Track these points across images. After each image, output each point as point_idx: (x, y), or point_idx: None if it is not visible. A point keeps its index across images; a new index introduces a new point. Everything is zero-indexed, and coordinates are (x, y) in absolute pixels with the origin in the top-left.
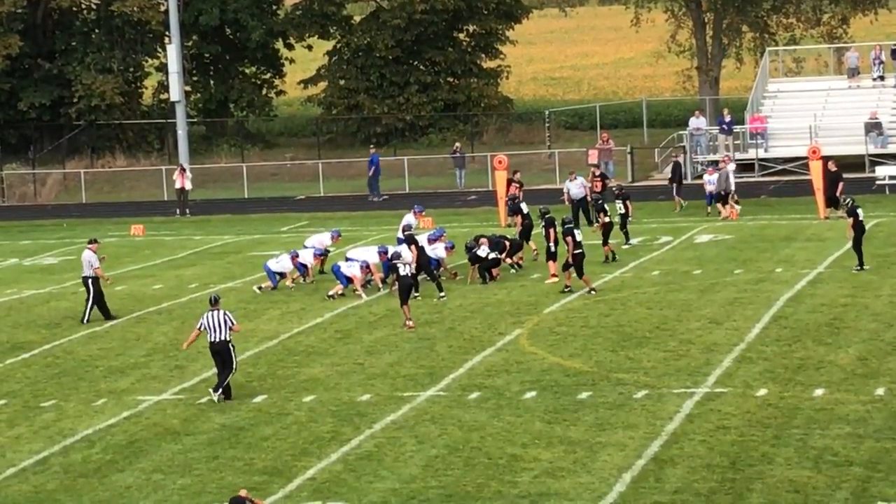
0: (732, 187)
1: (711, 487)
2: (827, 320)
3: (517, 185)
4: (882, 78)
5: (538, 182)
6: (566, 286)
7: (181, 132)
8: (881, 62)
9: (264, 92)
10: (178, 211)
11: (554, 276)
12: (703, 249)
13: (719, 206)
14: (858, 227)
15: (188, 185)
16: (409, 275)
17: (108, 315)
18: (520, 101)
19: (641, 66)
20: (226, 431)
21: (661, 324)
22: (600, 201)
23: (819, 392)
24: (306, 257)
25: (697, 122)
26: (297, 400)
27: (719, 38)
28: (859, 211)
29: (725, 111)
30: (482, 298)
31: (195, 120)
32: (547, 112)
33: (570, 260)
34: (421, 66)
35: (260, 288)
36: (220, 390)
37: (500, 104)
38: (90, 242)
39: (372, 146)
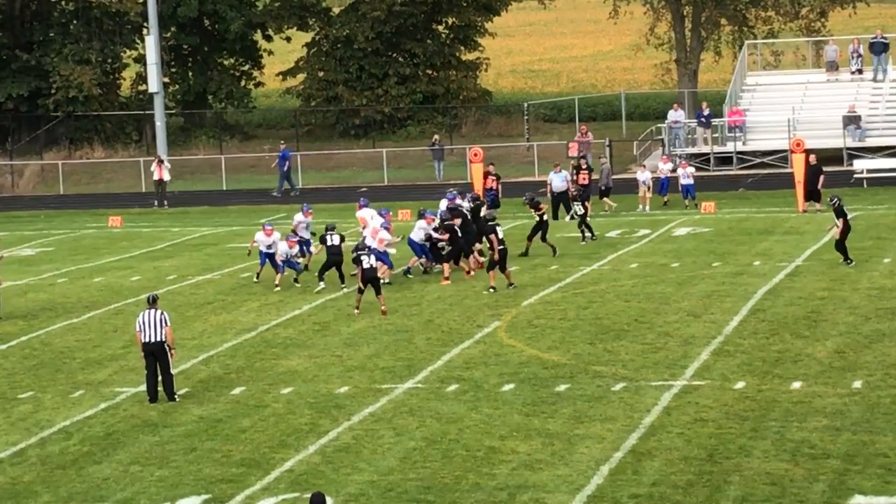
0: (611, 184)
1: (689, 480)
2: (805, 313)
3: (494, 178)
4: (860, 71)
5: (517, 175)
6: (491, 286)
7: (159, 123)
8: (859, 56)
9: (243, 83)
10: (156, 202)
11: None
12: (681, 242)
13: (605, 200)
14: (846, 227)
15: (166, 177)
16: (373, 267)
17: None
18: (498, 94)
19: (620, 59)
20: (203, 423)
21: (639, 316)
22: (585, 193)
23: (796, 385)
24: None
25: (676, 114)
26: (275, 392)
27: (698, 31)
28: (846, 210)
29: (704, 104)
30: (460, 291)
31: (173, 111)
32: (525, 105)
33: (495, 257)
34: (400, 59)
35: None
36: (170, 396)
37: (478, 96)
38: None
39: (282, 142)
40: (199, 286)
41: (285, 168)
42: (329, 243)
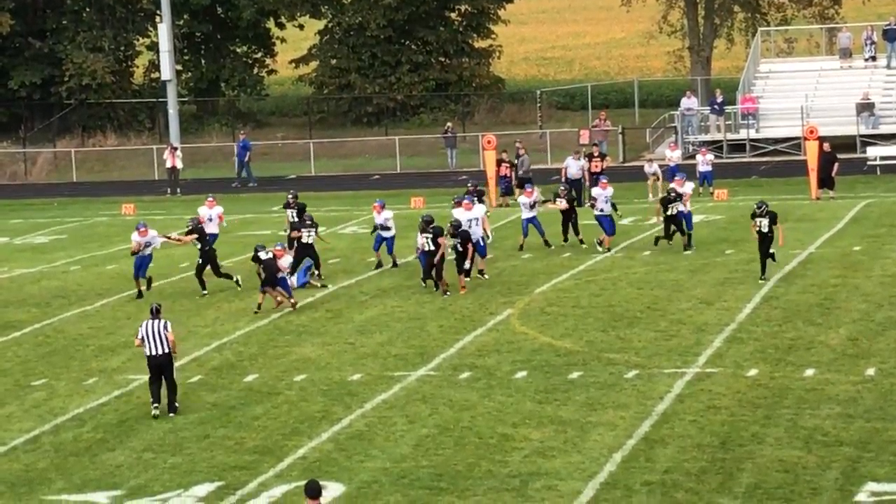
0: (530, 175)
1: (702, 467)
2: (818, 301)
3: (508, 166)
4: (874, 58)
5: (529, 162)
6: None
7: (172, 111)
8: (873, 43)
9: (255, 71)
10: (168, 190)
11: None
12: (694, 229)
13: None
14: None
15: (179, 164)
16: (273, 257)
17: None
18: (511, 81)
19: (633, 46)
20: (216, 410)
21: (651, 304)
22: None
23: (809, 372)
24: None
25: (689, 102)
26: (287, 379)
27: (711, 18)
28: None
29: (717, 91)
30: (473, 279)
31: (186, 99)
32: (538, 92)
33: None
34: (412, 46)
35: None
36: (171, 409)
37: (491, 84)
38: None
39: (242, 132)
40: (211, 274)
41: (246, 158)
42: (264, 258)
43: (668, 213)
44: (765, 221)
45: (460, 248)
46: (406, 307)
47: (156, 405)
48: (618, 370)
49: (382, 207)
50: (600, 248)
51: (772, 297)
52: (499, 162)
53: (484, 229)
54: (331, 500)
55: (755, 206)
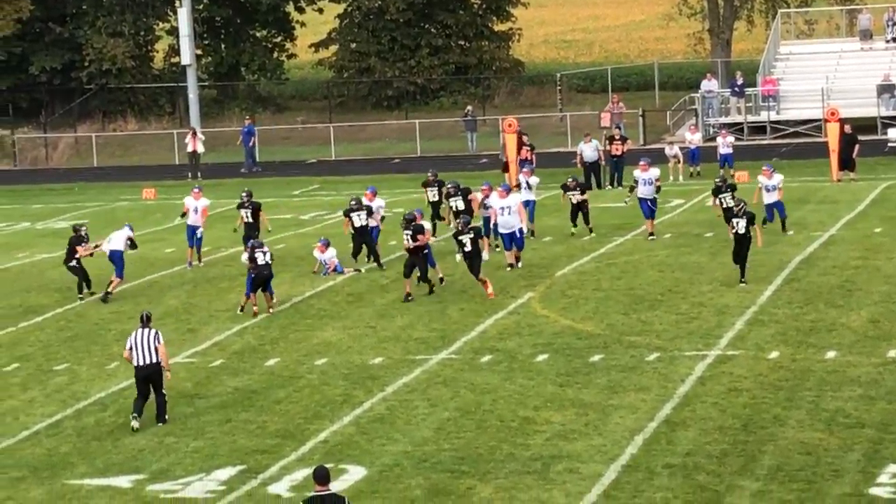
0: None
1: (723, 449)
2: (839, 283)
3: (528, 149)
4: (895, 40)
5: (550, 145)
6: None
7: (192, 96)
8: (894, 24)
9: (275, 55)
10: (189, 174)
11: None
12: (714, 212)
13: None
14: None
15: (200, 149)
16: (268, 263)
17: None
18: (531, 64)
19: (653, 29)
20: (238, 394)
21: (672, 287)
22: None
23: (831, 354)
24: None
25: (709, 84)
26: (309, 363)
27: (731, 0)
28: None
29: (738, 74)
30: (494, 261)
31: (206, 83)
32: (558, 75)
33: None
34: (432, 29)
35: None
36: (161, 419)
37: (511, 67)
38: None
39: (247, 116)
40: (233, 258)
41: (250, 144)
42: (261, 262)
43: (724, 205)
44: (742, 223)
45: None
46: (427, 290)
47: (136, 416)
48: (639, 353)
49: (374, 195)
50: (652, 237)
51: (793, 279)
52: (520, 145)
53: (521, 218)
54: (352, 484)
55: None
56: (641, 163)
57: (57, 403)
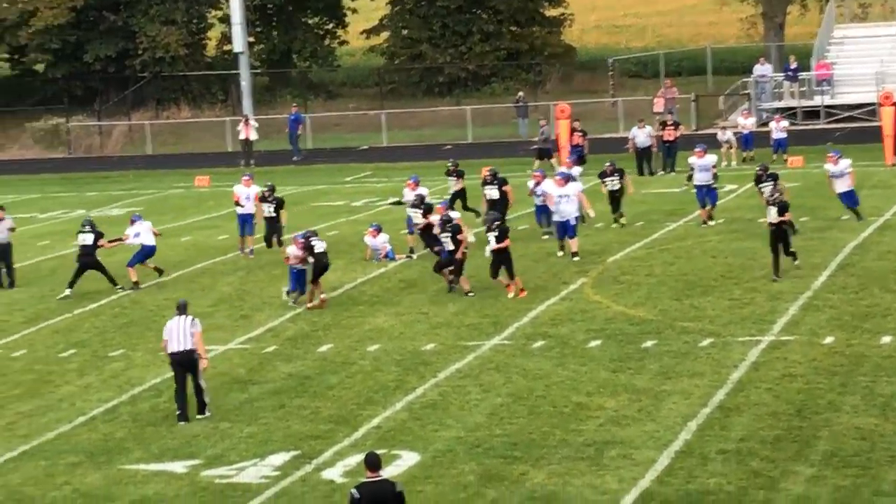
0: (551, 146)
1: (777, 435)
2: (893, 267)
3: (581, 134)
4: None
5: (602, 131)
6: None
7: (244, 83)
8: None
9: (327, 42)
10: (242, 161)
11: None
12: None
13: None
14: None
15: (253, 136)
16: (325, 252)
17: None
18: (583, 50)
19: (705, 13)
20: (292, 380)
21: (725, 272)
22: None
23: (886, 339)
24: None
25: (762, 68)
26: (361, 349)
27: None
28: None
29: (791, 58)
30: (545, 247)
31: (258, 71)
32: (610, 60)
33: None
34: (483, 15)
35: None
36: (200, 410)
37: (563, 53)
38: None
39: (294, 105)
40: (285, 244)
41: (298, 131)
42: (318, 251)
43: (763, 195)
44: (773, 211)
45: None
46: (479, 276)
47: (180, 414)
48: (692, 339)
49: (417, 184)
50: (711, 223)
51: (847, 264)
52: (572, 130)
53: (584, 206)
54: (405, 469)
55: (758, 170)
56: (697, 149)
57: (113, 389)
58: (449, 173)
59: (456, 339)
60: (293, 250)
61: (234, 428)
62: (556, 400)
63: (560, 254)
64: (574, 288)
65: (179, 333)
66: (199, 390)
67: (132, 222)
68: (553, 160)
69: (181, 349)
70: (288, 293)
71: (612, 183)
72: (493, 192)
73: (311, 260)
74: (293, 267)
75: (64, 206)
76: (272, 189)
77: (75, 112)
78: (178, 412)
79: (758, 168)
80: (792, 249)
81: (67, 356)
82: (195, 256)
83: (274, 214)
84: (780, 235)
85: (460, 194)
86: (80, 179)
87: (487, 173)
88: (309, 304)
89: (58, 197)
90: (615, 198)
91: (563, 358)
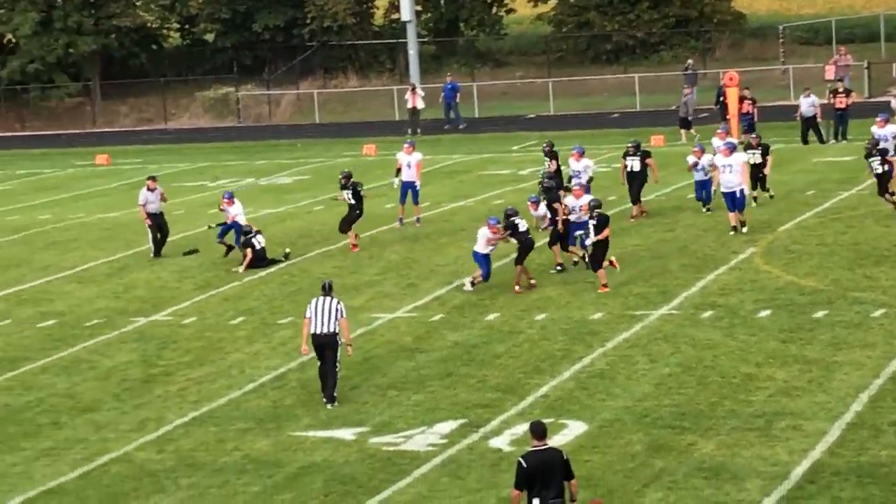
0: (692, 115)
1: None
2: None
3: (750, 102)
4: None
5: (772, 98)
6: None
7: (412, 52)
8: None
9: (494, 10)
10: (409, 130)
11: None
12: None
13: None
14: None
15: (420, 105)
16: (528, 230)
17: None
18: (753, 16)
19: None
20: (458, 349)
21: None
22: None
23: None
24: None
25: None
26: (528, 318)
27: None
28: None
29: None
30: (714, 217)
31: (426, 39)
32: (781, 27)
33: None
34: None
35: (472, 283)
36: (329, 399)
37: (732, 20)
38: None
39: (449, 74)
40: (454, 213)
41: (455, 100)
42: (522, 230)
43: (873, 171)
44: (876, 162)
45: (594, 236)
46: (648, 245)
47: (326, 398)
48: (864, 309)
49: (581, 155)
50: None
51: None
52: (741, 98)
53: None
54: (573, 439)
55: (866, 145)
56: (878, 119)
57: (281, 356)
58: (546, 154)
59: (623, 309)
60: (485, 232)
61: (401, 395)
62: (725, 370)
63: (732, 233)
64: (743, 257)
65: (323, 315)
66: (332, 375)
67: (230, 200)
68: (693, 130)
69: (324, 331)
70: (472, 283)
71: (634, 161)
72: (635, 163)
73: (512, 240)
74: (477, 252)
75: (234, 175)
76: (348, 176)
77: (244, 81)
78: (323, 395)
79: (867, 144)
80: None
81: (237, 323)
82: (364, 224)
83: (353, 201)
84: (884, 181)
85: (555, 175)
86: (250, 148)
87: (630, 144)
88: (517, 289)
89: (228, 165)
90: (634, 179)
91: (733, 328)
